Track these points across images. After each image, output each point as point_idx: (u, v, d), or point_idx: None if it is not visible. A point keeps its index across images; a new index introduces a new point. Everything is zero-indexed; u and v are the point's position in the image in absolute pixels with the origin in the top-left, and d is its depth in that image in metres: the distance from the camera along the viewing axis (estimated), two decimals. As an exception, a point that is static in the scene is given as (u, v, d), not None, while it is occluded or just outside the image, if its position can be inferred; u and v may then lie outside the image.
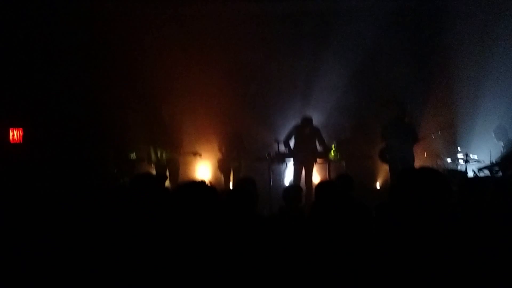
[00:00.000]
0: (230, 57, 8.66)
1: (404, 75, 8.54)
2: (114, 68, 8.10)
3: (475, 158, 7.27)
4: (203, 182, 2.23)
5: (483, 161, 7.21)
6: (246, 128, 8.62)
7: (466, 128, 8.20)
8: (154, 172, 7.38)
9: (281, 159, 7.89)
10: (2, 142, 7.49)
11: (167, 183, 6.64)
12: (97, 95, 7.96)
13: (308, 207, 4.84)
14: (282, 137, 8.10)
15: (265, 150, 8.06)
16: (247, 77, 8.86)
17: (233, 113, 8.61)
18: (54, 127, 7.64)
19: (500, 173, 6.94)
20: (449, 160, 7.80)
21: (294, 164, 7.89)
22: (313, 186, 7.76)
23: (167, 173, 7.47)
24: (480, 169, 7.13)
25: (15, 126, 7.65)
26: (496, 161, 7.05)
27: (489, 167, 6.99)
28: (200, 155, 8.08)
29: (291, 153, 7.86)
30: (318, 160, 8.00)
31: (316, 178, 8.16)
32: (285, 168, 8.09)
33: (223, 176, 8.21)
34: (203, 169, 8.71)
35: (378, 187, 8.58)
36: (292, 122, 8.31)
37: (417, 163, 7.55)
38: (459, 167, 7.53)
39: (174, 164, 7.73)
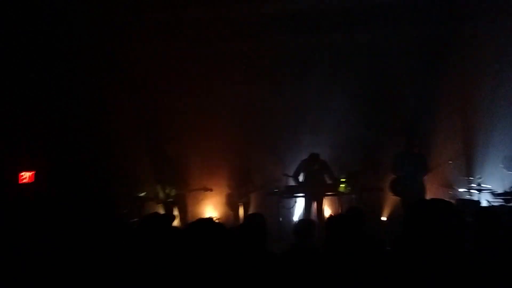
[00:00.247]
0: (238, 91, 8.75)
1: (413, 106, 8.55)
2: (121, 108, 8.20)
3: (487, 187, 7.17)
4: (210, 220, 2.21)
5: (496, 190, 7.10)
6: (254, 162, 8.61)
7: (477, 157, 8.12)
8: (162, 211, 7.35)
9: (290, 193, 7.83)
10: (11, 184, 7.52)
11: (176, 222, 6.60)
12: (106, 136, 8.04)
13: (321, 242, 4.77)
14: (291, 171, 8.07)
15: (274, 184, 8.02)
16: (254, 111, 8.92)
17: (241, 148, 8.64)
18: (65, 168, 7.69)
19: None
20: (461, 190, 7.69)
21: (305, 199, 7.82)
22: (324, 220, 7.72)
23: (176, 211, 7.44)
24: (493, 198, 7.01)
25: (27, 169, 7.71)
26: (509, 190, 6.94)
27: (503, 196, 6.88)
28: (211, 190, 8.07)
29: (301, 187, 7.80)
30: (328, 193, 7.92)
31: (327, 212, 8.07)
32: (295, 203, 8.01)
33: (233, 212, 8.15)
34: (213, 205, 8.66)
35: (388, 219, 8.44)
36: (301, 155, 8.29)
37: (429, 194, 7.45)
38: (472, 197, 7.41)
39: (183, 201, 7.71)
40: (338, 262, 2.08)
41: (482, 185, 7.13)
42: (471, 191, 7.39)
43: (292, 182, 7.93)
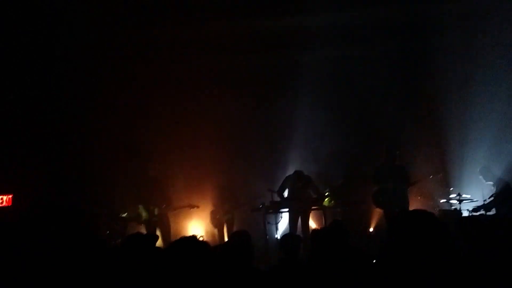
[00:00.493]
0: (221, 107, 8.79)
1: (394, 120, 8.70)
2: (102, 128, 8.11)
3: (468, 198, 7.29)
4: (193, 238, 2.19)
5: (476, 200, 7.23)
6: (238, 179, 8.60)
7: (457, 168, 8.28)
8: (145, 231, 7.24)
9: (275, 208, 7.82)
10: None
11: (159, 241, 6.51)
12: (86, 157, 7.93)
13: (307, 256, 4.77)
14: (275, 186, 8.08)
15: (259, 200, 8.00)
16: (238, 127, 8.94)
17: (225, 164, 8.62)
18: (45, 190, 7.54)
19: (494, 211, 6.95)
20: (442, 200, 7.81)
21: (290, 213, 7.81)
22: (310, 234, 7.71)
23: (159, 231, 7.34)
24: (474, 209, 7.13)
25: (4, 192, 7.53)
26: (490, 199, 7.06)
27: (483, 206, 7.01)
28: (197, 207, 8.01)
29: (286, 202, 7.80)
30: (313, 207, 7.94)
31: (312, 226, 8.07)
32: (280, 218, 7.99)
33: (217, 230, 8.09)
34: (198, 223, 8.58)
35: (373, 231, 8.50)
36: (285, 171, 8.32)
37: (411, 206, 7.55)
38: (453, 207, 7.52)
39: (165, 221, 7.61)
40: (324, 275, 2.08)
41: (462, 195, 7.25)
42: (452, 201, 7.51)
43: (277, 198, 7.92)
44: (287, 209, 7.79)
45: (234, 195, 8.23)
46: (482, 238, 3.57)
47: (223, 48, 8.07)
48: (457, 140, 8.40)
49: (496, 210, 6.96)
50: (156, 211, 7.59)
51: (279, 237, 7.23)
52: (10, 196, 7.53)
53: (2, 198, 7.48)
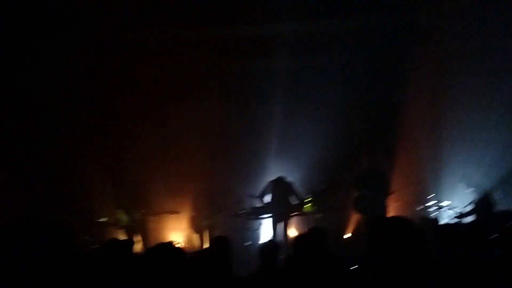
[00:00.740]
0: (203, 113, 8.75)
1: (375, 127, 8.80)
2: (80, 130, 7.98)
3: (447, 205, 7.39)
4: (170, 244, 2.15)
5: (455, 208, 7.33)
6: (220, 184, 8.56)
7: (436, 176, 8.40)
8: (124, 236, 7.13)
9: (256, 214, 7.80)
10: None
11: (138, 246, 6.42)
12: (63, 160, 7.79)
13: (286, 262, 4.75)
14: (257, 192, 8.07)
15: (240, 206, 7.98)
16: (220, 133, 8.92)
17: (207, 170, 8.58)
18: (22, 195, 7.36)
19: (471, 218, 7.06)
20: (421, 208, 7.91)
21: (272, 219, 7.80)
22: (290, 240, 7.72)
23: (139, 236, 7.24)
24: (453, 216, 7.23)
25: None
26: (469, 206, 7.17)
27: (462, 214, 7.10)
28: (177, 212, 7.92)
29: (266, 208, 7.79)
30: (294, 213, 7.95)
31: (294, 232, 8.08)
32: (260, 224, 7.98)
33: (197, 235, 8.02)
34: (178, 229, 8.49)
35: (353, 237, 8.55)
36: (266, 177, 8.31)
37: (390, 212, 7.62)
38: (432, 215, 7.61)
39: (146, 226, 7.52)
40: (300, 282, 2.07)
41: (441, 203, 7.34)
42: (431, 209, 7.60)
43: (258, 204, 7.90)
44: (268, 215, 7.79)
45: (215, 201, 8.17)
46: (460, 246, 3.62)
47: (207, 55, 8.06)
48: (437, 148, 8.54)
49: (474, 219, 7.06)
50: (136, 217, 7.48)
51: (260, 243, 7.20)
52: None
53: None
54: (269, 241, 4.29)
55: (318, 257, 2.23)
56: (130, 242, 3.72)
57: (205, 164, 8.55)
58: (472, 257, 3.41)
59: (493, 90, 7.80)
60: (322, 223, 7.85)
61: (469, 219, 7.04)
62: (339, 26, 7.85)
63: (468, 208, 7.15)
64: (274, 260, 4.02)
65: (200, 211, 8.04)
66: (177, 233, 8.46)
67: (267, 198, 7.94)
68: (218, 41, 7.80)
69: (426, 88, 8.58)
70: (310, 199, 8.32)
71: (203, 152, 8.56)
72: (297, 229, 8.29)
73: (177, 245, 2.16)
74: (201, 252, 3.65)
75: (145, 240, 7.31)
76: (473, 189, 7.33)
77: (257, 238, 8.10)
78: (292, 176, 8.22)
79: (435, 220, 7.20)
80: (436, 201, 7.39)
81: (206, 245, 7.79)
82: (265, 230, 8.09)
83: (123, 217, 7.44)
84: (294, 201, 7.94)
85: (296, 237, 3.93)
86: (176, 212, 7.92)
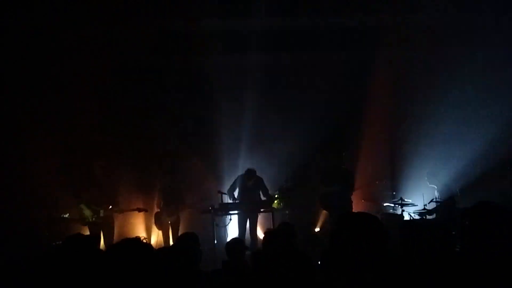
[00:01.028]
0: (170, 108, 8.64)
1: (342, 124, 8.93)
2: (41, 123, 7.72)
3: (409, 202, 7.60)
4: (137, 240, 2.11)
5: (417, 205, 7.54)
6: (187, 180, 8.48)
7: (400, 174, 8.62)
8: (88, 232, 6.96)
9: (225, 211, 7.79)
10: None
11: (101, 243, 6.28)
12: (24, 155, 7.53)
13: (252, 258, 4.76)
14: (225, 188, 8.05)
15: (207, 202, 7.94)
16: (188, 128, 8.83)
17: (174, 166, 8.49)
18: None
19: (434, 215, 7.29)
20: (385, 204, 8.10)
21: (239, 215, 7.81)
22: (258, 236, 7.76)
23: (103, 233, 7.08)
24: (416, 213, 7.43)
25: None
26: (431, 203, 7.39)
27: (425, 210, 7.32)
28: (146, 210, 7.78)
29: (235, 204, 7.79)
30: (262, 209, 7.98)
31: (261, 228, 8.11)
32: (229, 221, 7.97)
33: (162, 232, 7.92)
34: (143, 226, 8.36)
35: (320, 233, 8.68)
36: (234, 173, 8.31)
37: (355, 208, 7.78)
38: (395, 211, 7.82)
39: (110, 222, 7.36)
40: (264, 277, 2.07)
41: (404, 200, 7.54)
42: (395, 205, 7.80)
43: (226, 200, 7.89)
44: (236, 211, 7.79)
45: (180, 197, 8.08)
46: (423, 241, 3.72)
47: (183, 48, 7.98)
48: (402, 147, 8.76)
49: (436, 215, 7.29)
50: (101, 213, 7.30)
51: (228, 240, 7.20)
52: None
53: None
54: (234, 238, 4.30)
55: (286, 253, 2.24)
56: (95, 238, 3.63)
57: (174, 160, 8.46)
58: (434, 253, 3.52)
59: (459, 89, 8.03)
60: (289, 219, 7.92)
61: (432, 215, 7.27)
62: (312, 24, 7.89)
63: (431, 205, 7.37)
64: (240, 255, 4.04)
65: (164, 207, 7.93)
66: (144, 230, 8.34)
67: (236, 193, 7.93)
68: (186, 35, 7.71)
69: (391, 87, 8.79)
70: (278, 195, 8.38)
71: (172, 148, 8.48)
72: (265, 225, 8.33)
73: (143, 241, 2.12)
74: (168, 248, 3.61)
75: (109, 237, 7.14)
76: (436, 186, 7.56)
77: (226, 234, 8.09)
78: (261, 173, 8.24)
79: (399, 216, 7.40)
80: (400, 198, 7.58)
81: (171, 242, 7.71)
82: (234, 227, 8.08)
83: (87, 213, 7.24)
84: (262, 197, 7.97)
85: (266, 233, 3.96)
86: (145, 210, 7.78)
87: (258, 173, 8.07)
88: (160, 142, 8.73)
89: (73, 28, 7.35)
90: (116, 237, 7.27)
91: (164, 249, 3.83)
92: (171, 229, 7.89)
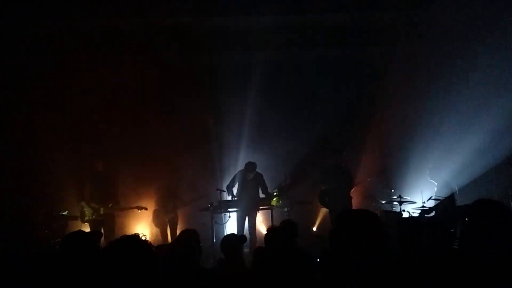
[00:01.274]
0: (170, 106, 8.62)
1: (341, 123, 8.92)
2: (44, 121, 7.72)
3: (408, 199, 7.61)
4: (136, 236, 2.12)
5: (416, 202, 7.55)
6: (186, 178, 8.48)
7: (399, 171, 8.63)
8: (88, 229, 6.97)
9: (224, 208, 7.80)
10: None
11: (102, 240, 6.27)
12: (24, 151, 7.52)
13: (252, 254, 4.76)
14: (224, 186, 8.06)
15: (205, 200, 7.95)
16: (186, 126, 8.82)
17: (174, 164, 8.49)
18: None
19: (433, 213, 7.29)
20: (384, 201, 8.12)
21: (237, 212, 7.81)
22: (257, 233, 7.77)
23: (104, 231, 7.08)
24: (415, 210, 7.44)
25: None
26: (430, 201, 7.39)
27: (424, 208, 7.32)
28: (145, 209, 7.81)
29: (234, 202, 7.80)
30: (261, 207, 7.99)
31: (260, 225, 8.12)
32: (228, 218, 7.98)
33: (160, 230, 7.93)
34: (144, 224, 8.36)
35: (319, 230, 8.70)
36: (233, 171, 8.31)
37: (354, 206, 7.79)
38: (394, 208, 7.83)
39: (110, 220, 7.36)
40: (264, 274, 2.08)
41: (402, 197, 7.54)
42: (393, 203, 7.81)
43: (225, 197, 7.90)
44: (235, 209, 7.80)
45: (178, 194, 8.10)
46: (421, 238, 3.74)
47: (179, 46, 7.96)
48: (402, 145, 8.77)
49: (435, 213, 7.29)
50: (102, 210, 7.31)
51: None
52: None
53: None
54: (229, 235, 4.27)
55: (288, 251, 2.25)
56: (97, 234, 3.65)
57: (173, 158, 8.47)
58: (432, 250, 3.54)
59: (461, 90, 8.02)
60: (289, 217, 7.92)
61: (431, 214, 7.28)
62: (312, 22, 7.87)
63: (430, 203, 7.38)
64: (236, 253, 4.01)
65: (162, 205, 7.94)
66: (144, 228, 8.34)
67: (236, 189, 7.93)
68: (188, 33, 7.70)
69: (391, 83, 8.78)
70: (277, 193, 8.38)
71: (171, 146, 8.48)
72: (264, 222, 8.35)
73: (142, 238, 2.12)
74: (169, 245, 3.60)
75: (109, 235, 7.15)
76: (436, 183, 7.58)
77: (225, 232, 8.10)
78: (260, 170, 8.24)
79: (398, 213, 7.41)
80: (399, 195, 7.59)
81: (169, 239, 7.72)
82: (232, 224, 8.09)
83: (88, 211, 7.25)
84: (261, 194, 7.98)
85: (269, 230, 3.95)
86: (145, 208, 7.81)
87: (257, 170, 8.07)
88: (159, 140, 8.72)
89: (74, 26, 7.33)
90: (117, 235, 7.28)
91: (166, 245, 3.82)
92: (169, 226, 7.91)
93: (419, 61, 8.55)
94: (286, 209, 8.29)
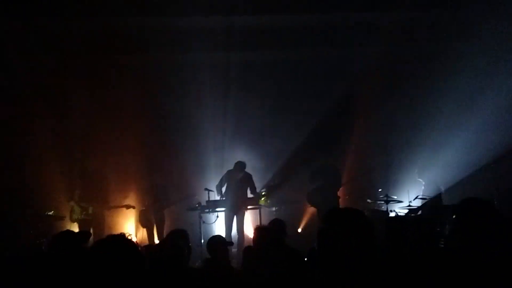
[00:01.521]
0: (160, 105, 8.58)
1: (329, 122, 8.97)
2: (31, 121, 7.64)
3: (394, 198, 7.68)
4: (122, 236, 2.10)
5: (403, 201, 7.63)
6: (174, 177, 8.45)
7: (385, 171, 8.71)
8: (76, 229, 6.91)
9: (212, 208, 7.79)
10: None
11: (91, 240, 6.21)
12: (12, 149, 7.43)
13: (240, 254, 4.76)
14: (211, 185, 8.04)
15: (194, 199, 7.93)
16: (174, 126, 8.79)
17: (160, 163, 8.45)
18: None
19: (420, 212, 7.37)
20: (370, 201, 8.19)
21: (225, 212, 7.81)
22: (245, 233, 7.78)
23: (92, 230, 7.03)
24: (401, 210, 7.51)
25: None
26: (416, 200, 7.47)
27: (410, 208, 7.40)
28: (133, 207, 7.76)
29: (222, 201, 7.79)
30: (249, 206, 7.99)
31: (248, 225, 8.13)
32: (216, 218, 7.97)
33: (146, 230, 7.88)
34: (134, 223, 8.30)
35: (306, 230, 8.73)
36: (221, 170, 8.30)
37: (341, 205, 7.84)
38: (380, 208, 7.89)
39: (100, 220, 7.31)
40: (254, 272, 2.08)
41: (389, 196, 7.61)
42: (380, 202, 7.87)
43: (213, 197, 7.89)
44: (223, 209, 7.79)
45: (165, 194, 8.06)
46: (408, 237, 3.78)
47: (167, 44, 7.93)
48: (389, 144, 8.85)
49: (422, 212, 7.36)
50: (90, 210, 7.25)
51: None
52: None
53: None
54: (214, 236, 4.26)
55: (278, 249, 2.26)
56: (85, 234, 3.62)
57: (162, 157, 8.44)
58: (419, 248, 3.58)
59: (447, 90, 8.11)
60: (277, 216, 7.93)
61: (417, 212, 7.35)
62: (299, 22, 7.90)
63: (417, 202, 7.46)
64: (222, 253, 4.00)
65: (150, 205, 7.90)
66: (133, 228, 8.29)
67: (224, 189, 7.92)
68: (172, 31, 7.67)
69: (379, 84, 8.85)
70: (265, 192, 8.40)
71: (160, 145, 8.45)
72: (252, 221, 8.35)
73: (128, 237, 2.11)
74: (158, 244, 3.58)
75: (99, 235, 7.09)
76: (423, 181, 7.67)
77: (213, 232, 8.09)
78: (248, 169, 8.24)
79: (385, 212, 7.48)
80: (386, 194, 7.65)
81: (156, 239, 7.68)
82: (221, 224, 8.07)
83: (77, 210, 7.19)
84: (249, 193, 7.98)
85: (257, 229, 3.95)
86: (133, 207, 7.76)
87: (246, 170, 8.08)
88: (146, 139, 8.67)
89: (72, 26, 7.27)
90: (104, 234, 7.22)
91: (153, 245, 3.80)
92: (156, 226, 7.87)
93: (406, 61, 8.64)
94: (274, 209, 8.32)
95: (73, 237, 3.21)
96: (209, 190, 7.88)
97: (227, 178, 7.94)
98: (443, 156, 8.02)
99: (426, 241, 3.65)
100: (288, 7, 7.41)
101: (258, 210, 7.93)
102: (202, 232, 7.55)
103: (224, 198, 7.82)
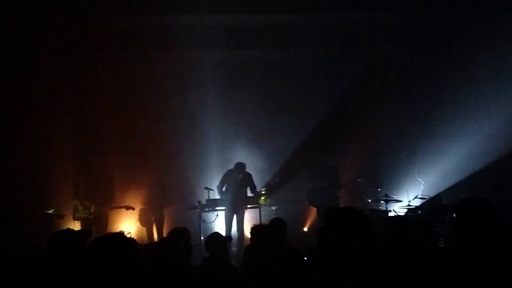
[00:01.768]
0: (160, 105, 8.57)
1: (330, 122, 8.96)
2: (39, 118, 7.65)
3: (394, 198, 7.68)
4: (121, 234, 2.10)
5: (402, 200, 7.63)
6: (174, 177, 8.45)
7: (385, 171, 8.71)
8: (79, 227, 6.91)
9: (211, 206, 7.80)
10: None
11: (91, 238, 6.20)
12: (12, 148, 7.43)
13: (240, 253, 4.75)
14: (212, 184, 8.04)
15: (193, 198, 7.93)
16: (175, 126, 8.78)
17: (161, 163, 8.45)
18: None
19: (419, 212, 7.37)
20: (370, 200, 8.19)
21: (225, 211, 7.81)
22: (245, 232, 7.78)
23: (94, 229, 7.03)
24: (402, 209, 7.51)
25: None
26: (415, 200, 7.48)
27: (409, 207, 7.40)
28: (133, 208, 7.76)
29: (221, 200, 7.79)
30: (249, 206, 7.99)
31: (248, 224, 8.12)
32: (216, 217, 7.97)
33: (146, 229, 7.90)
34: (133, 223, 8.31)
35: (306, 230, 8.73)
36: (221, 169, 8.30)
37: (342, 204, 7.83)
38: (380, 207, 7.89)
39: (103, 219, 7.31)
40: (254, 271, 2.08)
41: (388, 196, 7.62)
42: (380, 201, 7.88)
43: (213, 196, 7.89)
44: (223, 208, 7.79)
45: (164, 193, 8.06)
46: (407, 237, 3.79)
47: (167, 43, 7.93)
48: (389, 144, 8.85)
49: (421, 212, 7.37)
50: (92, 209, 7.25)
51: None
52: None
53: None
54: (212, 234, 4.25)
55: (278, 249, 2.26)
56: (87, 233, 3.62)
57: (163, 157, 8.44)
58: (419, 248, 3.58)
59: (450, 92, 8.10)
60: (277, 215, 7.93)
61: (416, 212, 7.36)
62: (303, 20, 7.88)
63: (416, 202, 7.47)
64: (220, 252, 3.99)
65: (149, 204, 7.91)
66: (131, 226, 8.29)
67: (224, 188, 7.92)
68: (172, 30, 7.66)
69: (380, 85, 8.86)
70: (265, 191, 8.39)
71: (158, 146, 8.45)
72: (252, 221, 8.34)
73: (127, 235, 2.11)
74: (160, 242, 3.57)
75: (101, 233, 7.08)
76: (422, 182, 7.68)
77: (212, 230, 8.08)
78: (248, 168, 8.24)
79: (384, 212, 7.48)
80: (385, 194, 7.66)
81: (156, 238, 7.68)
82: (221, 223, 8.08)
83: (80, 209, 7.19)
84: (249, 192, 7.98)
85: (254, 228, 3.94)
86: (132, 208, 7.76)
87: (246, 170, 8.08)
88: (147, 138, 8.67)
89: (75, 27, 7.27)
90: (104, 233, 7.21)
91: (153, 244, 3.79)
92: (156, 225, 7.88)
93: (407, 61, 8.64)
94: (274, 208, 8.32)
95: (73, 236, 3.22)
96: (209, 189, 7.89)
97: (227, 177, 7.94)
98: (444, 157, 8.03)
99: (426, 241, 3.65)
100: (289, 7, 7.39)
101: (258, 209, 7.93)
102: (202, 231, 7.55)
103: (224, 197, 7.82)
